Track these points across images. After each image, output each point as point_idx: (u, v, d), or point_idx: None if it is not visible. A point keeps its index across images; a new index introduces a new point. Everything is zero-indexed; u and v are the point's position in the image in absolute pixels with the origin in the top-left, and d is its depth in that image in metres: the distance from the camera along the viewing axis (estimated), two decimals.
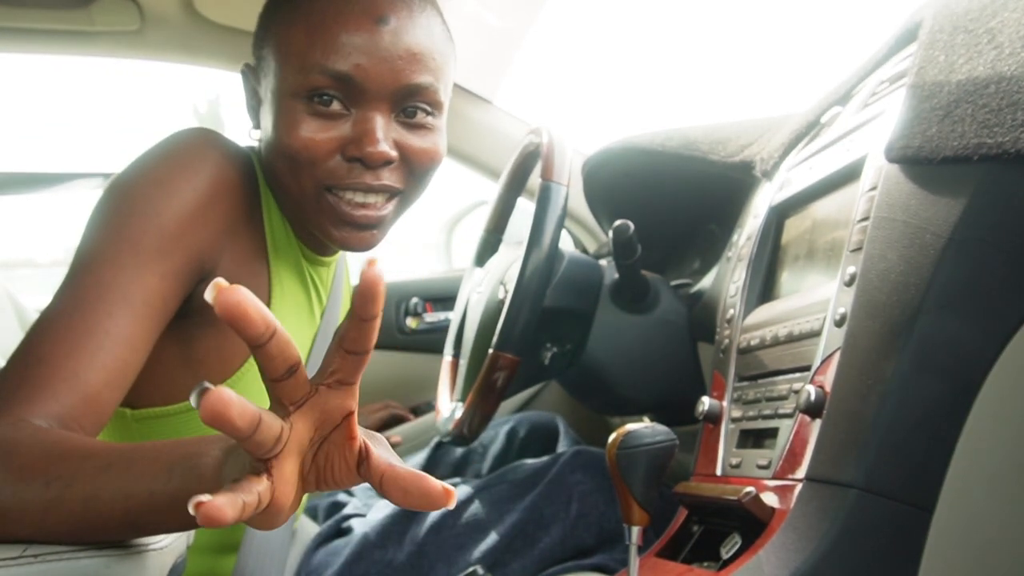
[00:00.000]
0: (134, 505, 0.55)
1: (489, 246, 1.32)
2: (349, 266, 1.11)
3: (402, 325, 1.80)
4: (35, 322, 0.71)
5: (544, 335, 1.10)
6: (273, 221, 0.88)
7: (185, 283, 0.78)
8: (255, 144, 0.89)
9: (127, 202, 0.76)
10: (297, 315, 0.92)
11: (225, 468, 0.51)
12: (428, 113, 0.84)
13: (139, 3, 1.50)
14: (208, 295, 0.39)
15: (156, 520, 0.56)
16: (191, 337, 0.82)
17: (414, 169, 0.84)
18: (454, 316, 1.32)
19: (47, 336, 0.69)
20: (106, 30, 1.53)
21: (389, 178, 0.83)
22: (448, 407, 1.18)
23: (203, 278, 0.80)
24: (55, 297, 0.72)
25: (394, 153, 0.82)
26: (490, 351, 0.99)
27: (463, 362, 1.18)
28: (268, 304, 0.86)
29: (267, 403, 0.93)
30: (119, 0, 1.49)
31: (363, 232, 0.84)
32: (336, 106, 0.80)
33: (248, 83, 0.89)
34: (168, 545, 0.60)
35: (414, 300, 1.80)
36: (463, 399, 1.13)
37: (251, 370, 0.85)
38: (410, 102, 0.83)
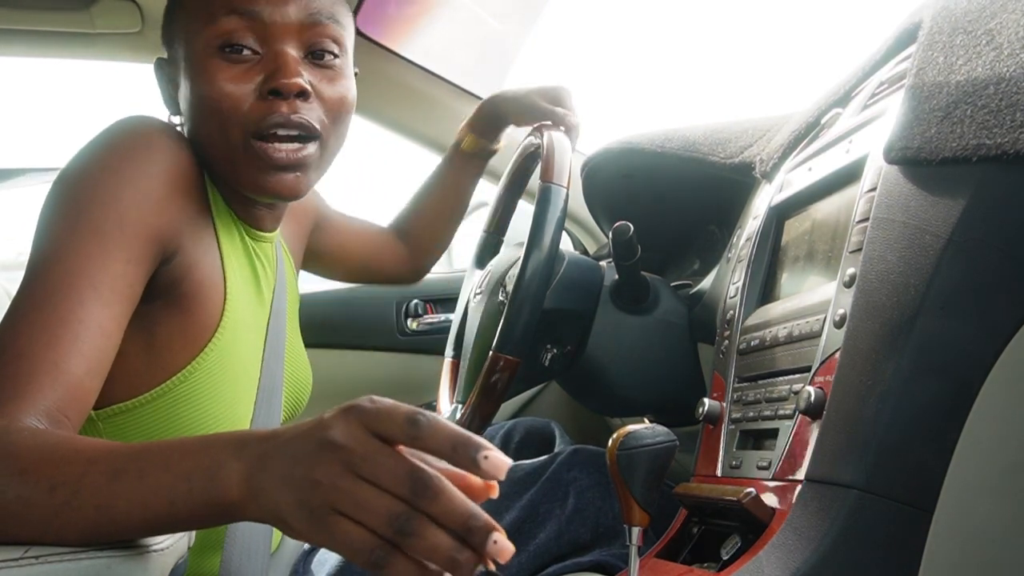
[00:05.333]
0: (153, 514, 0.56)
1: (489, 247, 1.32)
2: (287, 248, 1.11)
3: (403, 326, 1.80)
4: (5, 318, 0.71)
5: (544, 336, 1.10)
6: (216, 201, 0.89)
7: (148, 268, 0.78)
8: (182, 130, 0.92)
9: (84, 192, 0.76)
10: (248, 294, 0.92)
11: (257, 479, 0.53)
12: (335, 55, 0.88)
13: (140, 5, 1.50)
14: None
15: (177, 525, 0.58)
16: (154, 322, 0.82)
17: (328, 113, 0.87)
18: (455, 317, 1.32)
19: (22, 330, 0.69)
20: (107, 32, 1.52)
21: (307, 114, 0.85)
22: (449, 408, 1.18)
23: (165, 260, 0.81)
24: (21, 292, 0.72)
25: (308, 86, 0.84)
26: (490, 352, 0.99)
27: (463, 363, 1.18)
28: (224, 286, 0.87)
29: (227, 382, 0.94)
30: (120, 2, 1.49)
31: (289, 175, 0.85)
32: (247, 53, 0.84)
33: (163, 75, 0.92)
34: (170, 546, 0.60)
35: (415, 301, 1.80)
36: (464, 400, 1.13)
37: (213, 350, 0.85)
38: (317, 38, 0.86)
